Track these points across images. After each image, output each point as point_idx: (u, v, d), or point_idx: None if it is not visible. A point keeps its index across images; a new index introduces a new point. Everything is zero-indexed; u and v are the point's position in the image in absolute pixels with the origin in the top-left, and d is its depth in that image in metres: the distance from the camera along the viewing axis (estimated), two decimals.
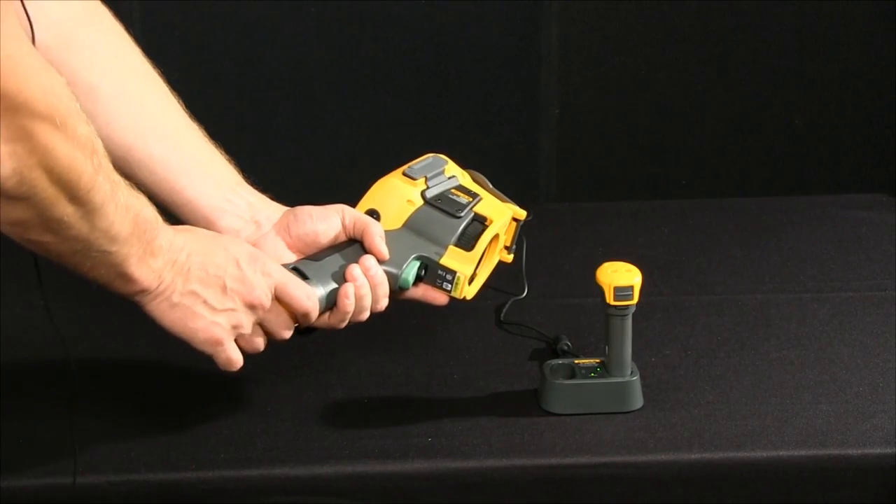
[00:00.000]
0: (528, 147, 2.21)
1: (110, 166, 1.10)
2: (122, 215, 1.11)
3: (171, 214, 1.36)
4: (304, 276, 1.29)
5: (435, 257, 1.35)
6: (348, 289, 1.29)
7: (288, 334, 1.27)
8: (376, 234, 1.34)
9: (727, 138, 2.23)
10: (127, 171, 1.32)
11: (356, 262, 1.31)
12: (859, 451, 1.32)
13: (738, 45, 2.18)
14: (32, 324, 1.56)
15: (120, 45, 1.35)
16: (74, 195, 1.05)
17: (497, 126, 2.19)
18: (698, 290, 1.68)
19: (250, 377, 1.44)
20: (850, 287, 1.68)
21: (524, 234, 1.69)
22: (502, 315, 1.60)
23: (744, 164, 2.24)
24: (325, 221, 1.35)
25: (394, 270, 1.33)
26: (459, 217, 1.37)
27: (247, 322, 1.24)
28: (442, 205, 1.38)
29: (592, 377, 1.39)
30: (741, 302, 1.64)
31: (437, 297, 1.37)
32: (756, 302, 1.64)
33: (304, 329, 1.32)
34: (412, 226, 1.37)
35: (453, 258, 1.35)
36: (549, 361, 1.41)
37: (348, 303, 1.29)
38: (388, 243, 1.34)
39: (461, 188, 1.41)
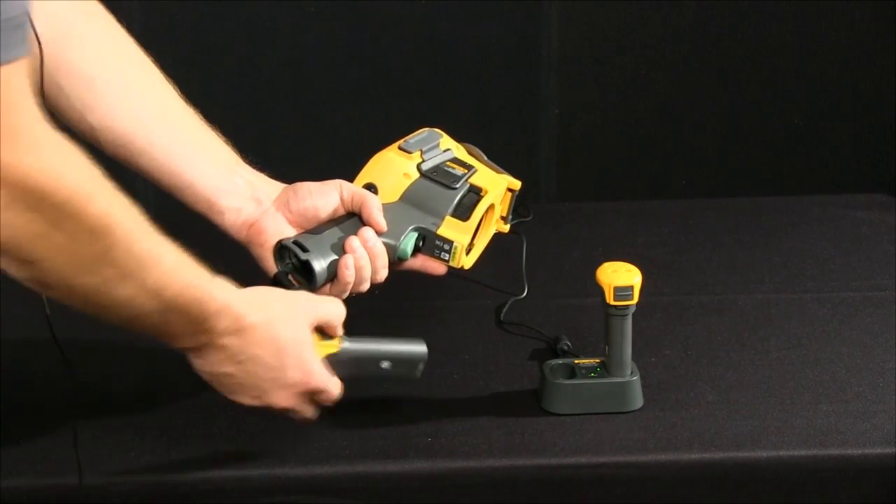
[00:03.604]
0: (528, 147, 2.21)
1: (140, 245, 1.10)
2: (149, 294, 1.12)
3: (177, 197, 1.38)
4: (304, 249, 1.32)
5: (432, 228, 1.38)
6: (348, 260, 1.33)
7: (310, 422, 1.30)
8: (374, 207, 1.37)
9: (727, 138, 2.23)
10: (128, 158, 1.35)
11: (355, 234, 1.34)
12: (859, 451, 1.32)
13: (738, 45, 2.18)
14: (33, 323, 1.56)
15: (116, 37, 1.37)
16: (80, 269, 1.07)
17: (497, 126, 2.19)
18: (698, 290, 1.68)
19: None
20: (850, 287, 1.68)
21: (524, 234, 1.69)
22: (502, 315, 1.60)
23: (744, 164, 2.24)
24: (324, 196, 1.38)
25: (392, 242, 1.36)
26: (455, 188, 1.40)
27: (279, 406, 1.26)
28: (438, 177, 1.41)
29: (593, 377, 1.39)
30: (741, 302, 1.64)
31: (436, 267, 1.40)
32: (756, 302, 1.64)
33: None
34: (409, 198, 1.40)
35: (450, 228, 1.38)
36: (549, 361, 1.41)
37: (348, 273, 1.33)
38: (385, 216, 1.37)
39: (456, 160, 1.44)
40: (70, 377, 1.31)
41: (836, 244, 1.81)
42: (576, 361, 1.41)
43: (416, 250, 1.38)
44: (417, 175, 1.42)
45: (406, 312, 1.59)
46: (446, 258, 1.38)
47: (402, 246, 1.37)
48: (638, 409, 1.39)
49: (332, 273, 1.33)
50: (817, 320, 1.59)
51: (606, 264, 1.38)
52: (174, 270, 1.14)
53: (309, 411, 1.28)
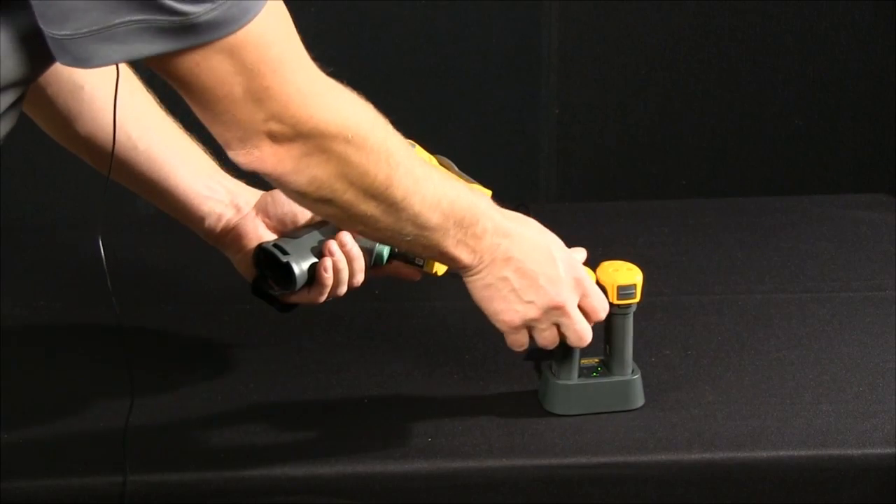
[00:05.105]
0: (528, 147, 2.21)
1: (414, 163, 1.22)
2: (430, 206, 1.22)
3: (157, 205, 1.39)
4: (284, 252, 1.34)
5: None
6: (326, 262, 1.34)
7: (585, 342, 1.34)
8: None
9: (727, 138, 2.23)
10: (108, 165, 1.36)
11: (333, 237, 1.36)
12: (859, 451, 1.32)
13: (738, 45, 2.18)
14: (33, 323, 1.56)
15: None
16: (373, 195, 1.18)
17: (497, 126, 2.20)
18: (698, 290, 1.68)
19: (251, 377, 1.44)
20: (850, 287, 1.68)
21: None
22: None
23: (744, 164, 2.24)
24: None
25: (369, 246, 1.38)
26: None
27: (544, 319, 1.32)
28: None
29: (595, 377, 1.39)
30: (741, 302, 1.64)
31: (411, 273, 1.41)
32: (756, 302, 1.64)
33: (284, 305, 1.38)
34: None
35: None
36: (549, 361, 1.41)
37: (326, 276, 1.34)
38: None
39: None
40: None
41: (836, 244, 1.81)
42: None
43: (392, 256, 1.40)
44: None
45: (406, 312, 1.59)
46: (420, 264, 1.39)
47: (377, 250, 1.38)
48: (638, 409, 1.39)
49: (311, 276, 1.35)
50: (817, 320, 1.59)
51: (606, 263, 1.38)
52: (444, 182, 1.25)
53: (578, 321, 1.32)
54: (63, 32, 1.02)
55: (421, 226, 1.23)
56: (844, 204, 1.94)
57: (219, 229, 1.39)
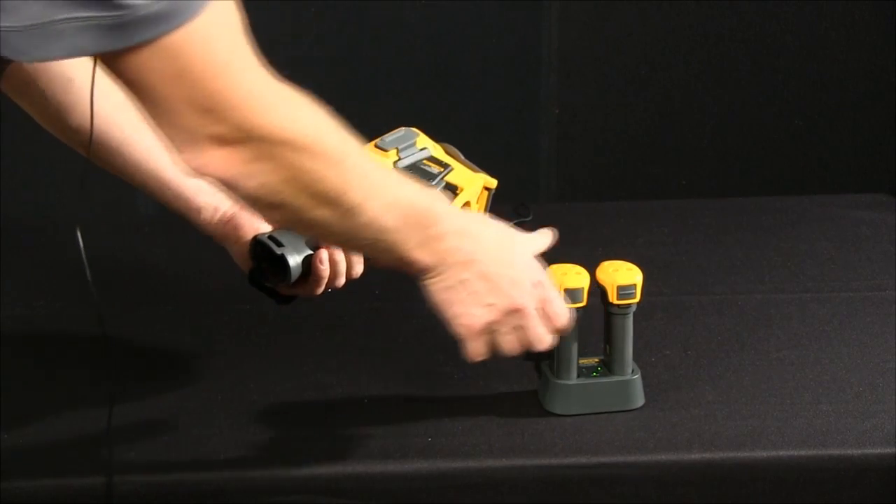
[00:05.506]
0: (528, 147, 2.21)
1: (369, 167, 1.18)
2: (387, 210, 1.18)
3: (154, 197, 1.38)
4: (278, 244, 1.33)
5: None
6: (322, 254, 1.34)
7: (544, 345, 1.30)
8: None
9: (727, 138, 2.23)
10: (105, 157, 1.36)
11: None
12: (859, 451, 1.32)
13: (738, 45, 2.18)
14: (33, 323, 1.56)
15: None
16: (327, 200, 1.14)
17: (497, 126, 2.20)
18: (698, 290, 1.68)
19: (250, 377, 1.44)
20: (850, 287, 1.68)
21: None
22: None
23: (744, 164, 2.24)
24: None
25: None
26: (431, 186, 1.39)
27: (505, 322, 1.27)
28: (413, 175, 1.40)
29: (595, 376, 1.39)
30: (741, 302, 1.64)
31: None
32: (756, 302, 1.64)
33: (282, 297, 1.37)
34: None
35: None
36: (549, 361, 1.41)
37: (322, 268, 1.34)
38: None
39: (433, 159, 1.43)
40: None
41: (836, 244, 1.81)
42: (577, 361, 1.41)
43: None
44: None
45: (406, 312, 1.59)
46: None
47: None
48: (638, 409, 1.39)
49: (308, 268, 1.34)
50: (817, 320, 1.59)
51: (606, 263, 1.38)
52: (401, 184, 1.21)
53: (537, 326, 1.28)
54: (3, 24, 1.00)
55: (379, 230, 1.19)
56: (844, 204, 1.94)
57: (215, 221, 1.39)
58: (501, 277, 1.25)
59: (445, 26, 2.15)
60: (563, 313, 1.29)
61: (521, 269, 1.27)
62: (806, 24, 2.16)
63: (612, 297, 1.36)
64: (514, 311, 1.26)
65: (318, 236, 1.21)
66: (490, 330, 1.27)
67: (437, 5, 2.13)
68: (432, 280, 1.24)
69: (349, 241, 1.23)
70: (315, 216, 1.15)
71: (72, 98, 1.33)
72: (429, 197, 1.23)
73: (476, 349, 1.27)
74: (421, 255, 1.22)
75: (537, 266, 1.29)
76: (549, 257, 1.76)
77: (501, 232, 1.28)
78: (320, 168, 1.13)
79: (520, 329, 1.28)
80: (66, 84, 1.33)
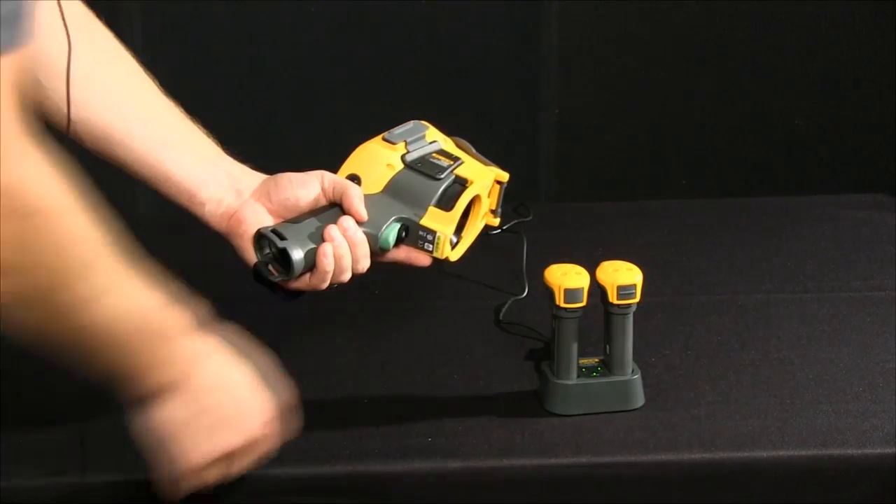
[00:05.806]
0: (528, 147, 2.21)
1: (105, 264, 1.09)
2: (117, 317, 1.10)
3: (155, 189, 1.37)
4: (281, 238, 1.31)
5: (415, 218, 1.37)
6: (326, 248, 1.32)
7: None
8: (355, 196, 1.36)
9: (727, 138, 2.23)
10: (107, 150, 1.35)
11: (335, 223, 1.33)
12: (859, 451, 1.32)
13: (738, 45, 2.18)
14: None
15: (94, 31, 1.36)
16: (66, 284, 1.05)
17: (497, 126, 2.20)
18: (698, 290, 1.68)
19: None
20: (850, 287, 1.68)
21: (524, 234, 1.70)
22: (502, 315, 1.60)
23: (744, 164, 2.24)
24: (306, 187, 1.37)
25: (373, 231, 1.35)
26: (439, 179, 1.39)
27: (237, 457, 1.22)
28: (422, 168, 1.40)
29: (595, 376, 1.39)
30: (741, 302, 1.64)
31: (420, 258, 1.38)
32: (756, 302, 1.64)
33: (287, 294, 1.35)
34: (393, 189, 1.39)
35: (433, 219, 1.37)
36: (549, 361, 1.41)
37: (326, 262, 1.31)
38: (368, 206, 1.36)
39: (442, 152, 1.43)
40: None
41: (836, 244, 1.81)
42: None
43: (400, 241, 1.37)
44: (401, 166, 1.40)
45: (406, 312, 1.59)
46: (430, 249, 1.36)
47: (383, 236, 1.35)
48: (638, 409, 1.39)
49: (311, 262, 1.32)
50: (817, 320, 1.59)
51: (605, 263, 1.38)
52: (137, 294, 1.12)
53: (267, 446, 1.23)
54: None
55: (109, 333, 1.09)
56: (844, 204, 1.94)
57: (219, 214, 1.37)
58: (230, 411, 1.19)
59: (446, 25, 2.15)
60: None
61: (249, 402, 1.21)
62: (806, 24, 2.16)
63: (612, 297, 1.36)
64: (242, 450, 1.21)
65: (48, 322, 1.08)
66: (215, 465, 1.20)
67: (437, 5, 2.13)
68: (163, 406, 1.16)
69: (69, 343, 1.10)
70: (57, 297, 1.05)
71: (72, 90, 1.30)
72: (166, 313, 1.14)
73: (194, 485, 1.21)
74: (147, 374, 1.14)
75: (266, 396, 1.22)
76: (550, 257, 1.76)
77: (229, 362, 1.20)
78: (58, 244, 1.04)
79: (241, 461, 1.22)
80: (64, 75, 1.32)
